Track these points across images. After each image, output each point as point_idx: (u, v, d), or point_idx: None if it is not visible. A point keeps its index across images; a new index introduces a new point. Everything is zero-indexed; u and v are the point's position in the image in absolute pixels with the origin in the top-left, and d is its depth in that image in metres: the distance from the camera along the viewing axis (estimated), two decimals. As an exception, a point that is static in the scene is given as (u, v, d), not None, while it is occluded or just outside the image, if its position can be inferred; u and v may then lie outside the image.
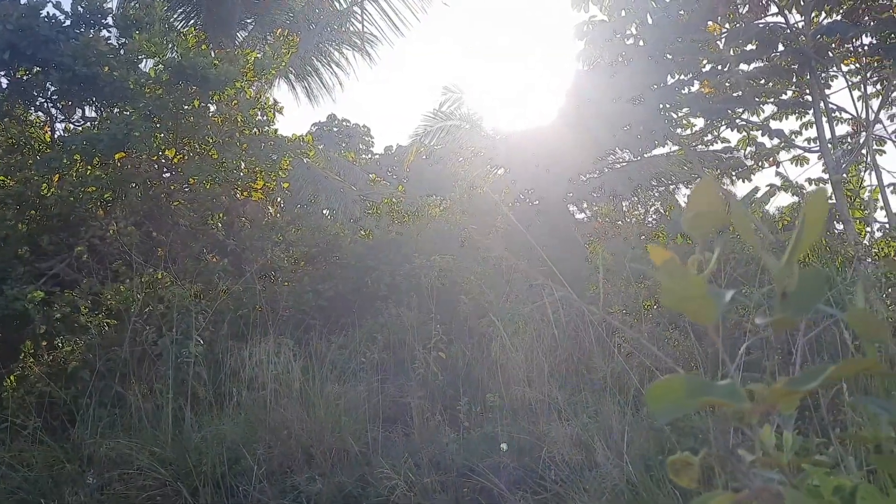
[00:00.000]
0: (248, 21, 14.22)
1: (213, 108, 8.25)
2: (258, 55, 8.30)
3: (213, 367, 7.11)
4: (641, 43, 9.73)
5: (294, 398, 6.56)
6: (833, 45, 8.78)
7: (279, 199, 10.77)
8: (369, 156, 26.46)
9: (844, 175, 9.65)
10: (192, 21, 13.76)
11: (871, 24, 8.40)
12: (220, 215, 8.38)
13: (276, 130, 8.51)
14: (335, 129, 27.57)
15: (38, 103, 8.18)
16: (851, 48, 9.14)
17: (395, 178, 17.93)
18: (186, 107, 7.83)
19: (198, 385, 6.55)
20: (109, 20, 8.33)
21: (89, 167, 7.52)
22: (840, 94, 10.69)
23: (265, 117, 8.42)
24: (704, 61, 9.77)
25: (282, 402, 6.62)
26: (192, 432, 6.15)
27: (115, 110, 7.89)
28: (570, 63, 10.66)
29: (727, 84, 9.77)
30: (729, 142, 11.51)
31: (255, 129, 8.13)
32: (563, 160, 11.59)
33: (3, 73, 7.91)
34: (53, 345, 6.83)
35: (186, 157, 7.93)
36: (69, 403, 6.49)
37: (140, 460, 5.74)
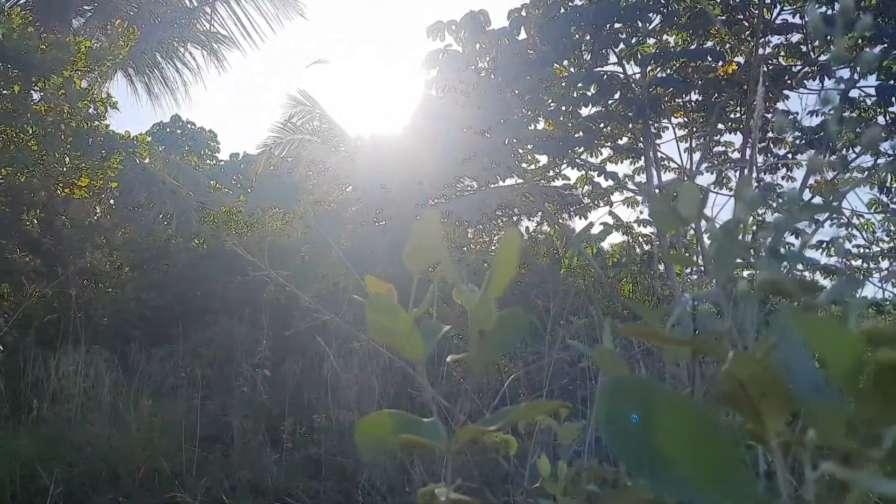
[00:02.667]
0: (88, 8, 13.28)
1: (36, 95, 7.61)
2: (92, 44, 7.75)
3: (14, 375, 6.51)
4: (493, 77, 10.06)
5: (103, 413, 6.14)
6: (665, 98, 9.47)
7: (109, 199, 10.11)
8: (214, 162, 25.45)
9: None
10: (21, 1, 12.68)
11: (699, 82, 9.14)
12: (37, 211, 7.72)
13: (107, 126, 7.96)
14: (179, 132, 26.28)
15: None
16: (681, 103, 9.89)
17: (240, 187, 17.36)
18: (5, 91, 7.16)
19: (-9, 396, 5.96)
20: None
21: None
22: (669, 144, 11.60)
23: (96, 111, 7.87)
24: (550, 101, 10.23)
25: (89, 416, 6.17)
26: (-19, 447, 5.58)
27: (-81, 87, 7.10)
28: (422, 88, 10.79)
29: (569, 125, 10.28)
30: (569, 179, 12.12)
31: (83, 122, 7.57)
32: (412, 183, 11.71)
33: None
34: None
35: (1, 146, 7.24)
36: None
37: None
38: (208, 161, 24.55)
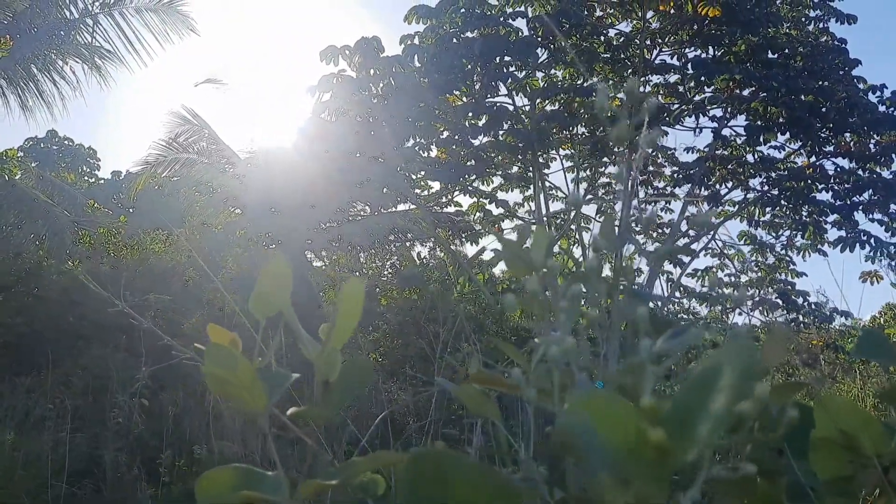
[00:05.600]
0: (-44, 14, 12.45)
1: None
2: (-43, 52, 7.24)
3: None
4: (386, 103, 10.12)
5: (-42, 449, 5.66)
6: (553, 131, 9.79)
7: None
8: (94, 180, 24.22)
9: (557, 247, 10.73)
10: None
11: (585, 116, 9.52)
12: None
13: (-28, 140, 7.44)
14: (55, 148, 24.86)
15: None
16: (568, 135, 10.26)
17: (120, 208, 16.57)
18: None
19: None
20: None
21: None
22: (557, 174, 12.03)
23: (-39, 123, 7.35)
24: (442, 129, 10.38)
25: (-58, 453, 5.68)
26: None
27: None
28: (315, 111, 10.75)
29: (462, 153, 10.45)
30: (461, 206, 12.30)
31: (-55, 134, 7.04)
32: (305, 207, 11.55)
33: None
34: None
35: None
36: None
37: None
38: (87, 179, 23.34)
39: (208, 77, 14.74)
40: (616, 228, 0.96)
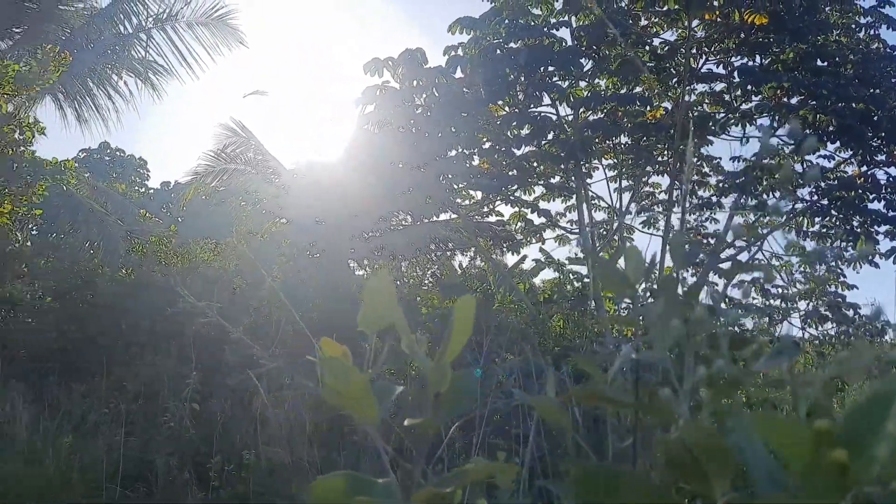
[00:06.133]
0: (17, 31, 12.90)
1: (-42, 118, 7.34)
2: (19, 67, 7.53)
3: (-80, 411, 6.16)
4: (429, 114, 10.19)
5: (18, 451, 5.85)
6: (596, 140, 9.76)
7: (31, 226, 9.74)
8: (144, 190, 24.87)
9: (600, 257, 10.68)
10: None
11: (628, 125, 9.48)
12: (-47, 238, 7.39)
13: (33, 152, 7.71)
14: (107, 158, 25.61)
15: None
16: (611, 145, 10.22)
17: (169, 217, 16.96)
18: (-76, 113, 6.89)
19: None
20: None
21: None
22: (600, 184, 12.01)
23: (23, 136, 7.62)
24: (485, 139, 10.42)
25: (3, 455, 5.87)
26: None
27: None
28: (359, 122, 10.87)
29: (504, 163, 10.48)
30: (503, 216, 12.32)
31: (7, 147, 7.31)
32: (348, 216, 11.69)
33: None
34: None
35: (-83, 170, 6.93)
36: None
37: None
38: (137, 189, 23.95)
39: (256, 89, 15.05)
40: (680, 241, 0.98)
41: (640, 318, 0.70)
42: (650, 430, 0.86)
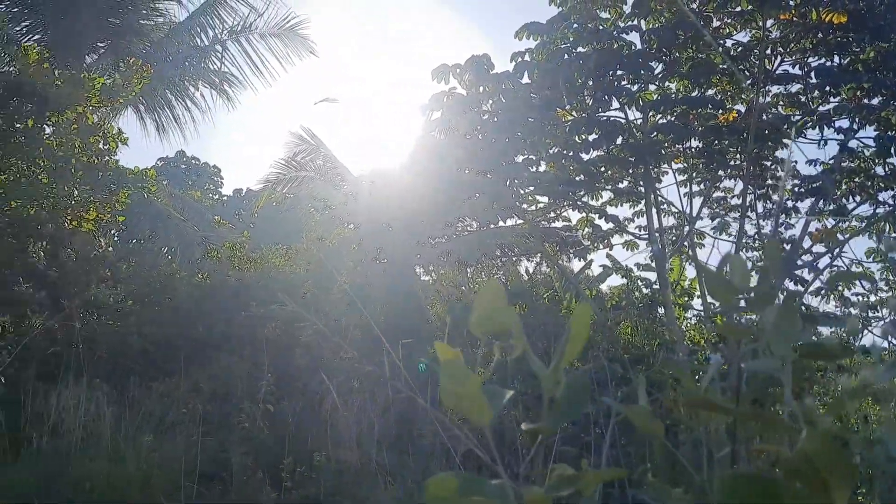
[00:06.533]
0: (101, 45, 13.54)
1: (48, 129, 7.73)
2: (105, 81, 7.89)
3: (14, 408, 6.48)
4: (495, 119, 10.21)
5: (102, 448, 6.10)
6: (666, 144, 9.60)
7: (113, 232, 10.17)
8: (217, 197, 25.65)
9: (670, 264, 10.48)
10: (36, 36, 12.91)
11: (699, 129, 9.29)
12: (44, 243, 7.77)
13: (117, 161, 8.07)
14: (183, 166, 26.57)
15: None
16: (681, 149, 10.03)
17: (242, 223, 17.44)
18: (18, 125, 7.27)
19: (-8, 428, 5.93)
20: (-60, 23, 7.68)
21: None
22: (669, 188, 11.74)
23: (107, 146, 7.98)
24: (552, 144, 10.37)
25: (88, 452, 6.14)
26: (-21, 481, 5.54)
27: (-67, 120, 7.20)
28: (425, 128, 10.96)
29: (571, 168, 10.40)
30: (570, 221, 12.21)
31: (93, 156, 7.67)
32: (414, 222, 11.80)
33: None
34: None
35: (12, 179, 7.32)
36: None
37: None
38: (211, 196, 24.71)
39: (326, 96, 15.35)
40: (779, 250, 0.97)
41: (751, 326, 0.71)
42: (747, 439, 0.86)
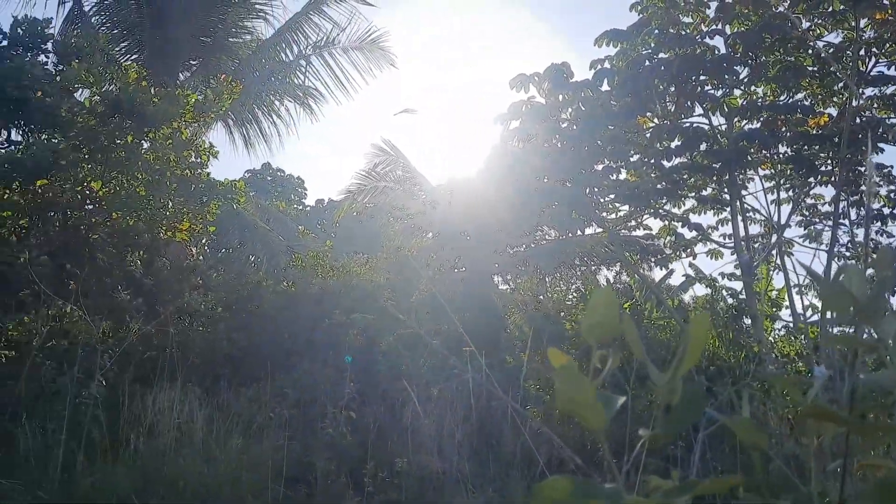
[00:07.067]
0: (193, 63, 14.20)
1: (146, 144, 8.14)
2: (199, 97, 8.26)
3: (113, 410, 6.81)
4: (574, 127, 10.14)
5: (195, 449, 6.35)
6: (752, 150, 9.34)
7: (204, 241, 10.59)
8: (301, 207, 26.41)
9: (756, 273, 10.17)
10: (134, 55, 13.65)
11: (788, 134, 8.99)
12: (141, 253, 8.17)
13: (208, 174, 8.43)
14: (269, 178, 27.53)
15: (-40, 120, 7.89)
16: (768, 155, 9.74)
17: (323, 232, 17.85)
18: (119, 141, 7.70)
19: (94, 428, 6.25)
20: (49, 46, 8.19)
21: (8, 191, 7.25)
22: (756, 195, 11.38)
23: (199, 159, 8.35)
24: (632, 152, 10.23)
25: (182, 452, 6.39)
26: (83, 477, 5.85)
27: (43, 136, 7.68)
28: (503, 137, 10.96)
29: (653, 175, 10.23)
30: (651, 229, 12.00)
31: (187, 170, 8.04)
32: (491, 231, 11.82)
33: (-74, 85, 7.62)
34: (-58, 374, 6.45)
35: (113, 192, 7.75)
36: (-49, 437, 6.10)
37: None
38: (295, 206, 25.42)
39: (404, 108, 15.61)
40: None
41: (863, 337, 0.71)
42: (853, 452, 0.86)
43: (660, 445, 0.67)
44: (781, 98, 8.93)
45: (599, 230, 12.84)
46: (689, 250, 11.67)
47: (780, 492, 0.84)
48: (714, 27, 8.95)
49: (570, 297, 14.79)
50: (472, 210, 12.32)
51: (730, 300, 11.09)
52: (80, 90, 8.17)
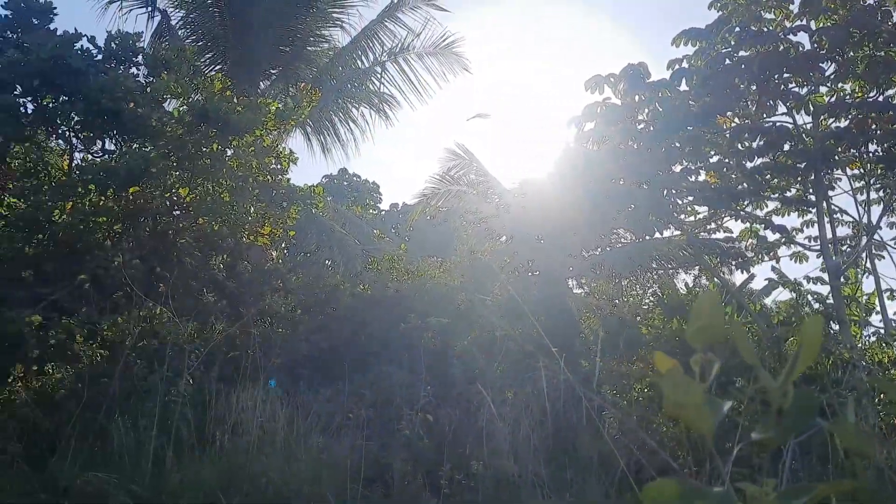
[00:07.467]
0: (273, 71, 14.64)
1: (229, 152, 8.44)
2: (279, 105, 8.52)
3: (200, 408, 7.06)
4: (651, 128, 9.99)
5: (277, 447, 6.52)
6: (839, 149, 9.03)
7: (283, 245, 10.88)
8: (375, 211, 26.86)
9: (844, 277, 9.79)
10: (218, 66, 14.18)
11: (878, 132, 8.66)
12: (224, 256, 8.46)
13: (288, 179, 8.68)
14: (345, 183, 28.13)
15: (60, 131, 8.36)
16: (857, 154, 9.39)
17: (397, 236, 18.07)
18: (205, 149, 8.01)
19: (183, 425, 6.51)
20: (140, 59, 8.59)
21: (103, 198, 7.64)
22: (843, 196, 11.00)
23: (280, 166, 8.61)
24: (712, 152, 10.02)
25: (265, 450, 6.57)
26: (172, 473, 6.10)
27: (135, 145, 8.06)
28: (577, 139, 10.90)
29: (733, 176, 9.99)
30: (731, 232, 11.70)
31: (268, 176, 8.30)
32: (565, 234, 11.74)
33: (29, 98, 8.10)
34: (43, 371, 6.82)
35: (198, 197, 8.07)
36: (52, 432, 6.44)
37: (116, 497, 5.68)
38: (371, 211, 25.85)
39: (478, 112, 15.68)
40: None
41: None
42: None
43: (769, 450, 0.67)
44: (871, 95, 8.59)
45: (677, 233, 12.58)
46: (771, 253, 11.35)
47: (887, 500, 0.83)
48: (798, 23, 8.69)
49: (647, 301, 14.52)
50: (545, 213, 12.26)
51: (816, 305, 10.69)
52: (169, 100, 8.54)
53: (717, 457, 0.71)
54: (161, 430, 6.49)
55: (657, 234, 12.14)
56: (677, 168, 9.97)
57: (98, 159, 8.21)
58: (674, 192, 10.25)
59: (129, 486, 5.83)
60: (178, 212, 8.32)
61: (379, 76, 14.26)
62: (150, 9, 14.15)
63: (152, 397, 6.65)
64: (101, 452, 6.32)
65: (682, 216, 11.43)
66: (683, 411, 0.66)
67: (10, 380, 6.77)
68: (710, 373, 0.71)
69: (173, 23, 14.48)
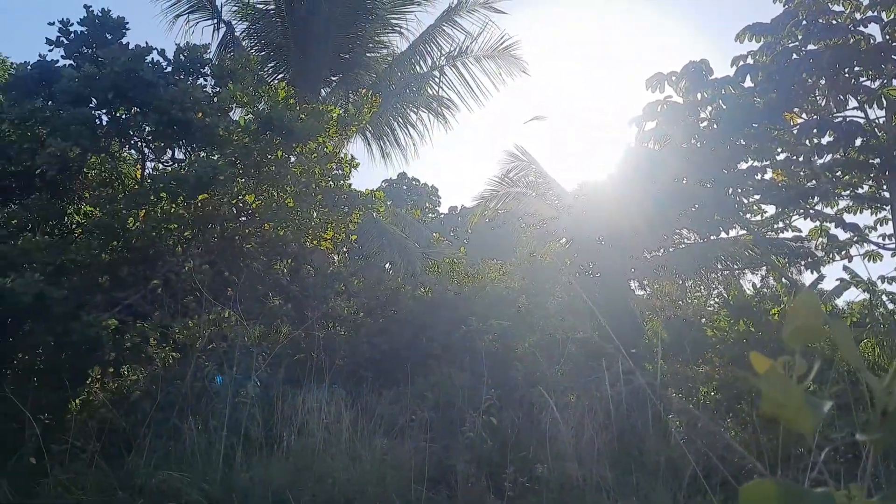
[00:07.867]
0: (334, 78, 14.91)
1: (293, 158, 8.63)
2: (341, 112, 8.67)
3: (267, 409, 7.22)
4: (715, 126, 9.81)
5: (342, 448, 6.63)
6: (916, 144, 8.70)
7: (345, 249, 11.04)
8: (434, 215, 27.05)
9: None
10: (280, 74, 14.53)
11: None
12: (289, 261, 8.64)
13: (349, 185, 8.82)
14: (404, 187, 28.44)
15: (133, 142, 8.69)
16: (934, 148, 9.03)
17: (457, 239, 18.12)
18: (270, 156, 8.22)
19: (251, 426, 6.68)
20: (207, 69, 8.86)
21: (174, 205, 7.92)
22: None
23: (341, 171, 8.76)
24: (779, 149, 9.76)
25: (330, 450, 6.69)
26: (241, 472, 6.26)
27: (203, 154, 8.32)
28: (637, 139, 10.77)
29: (802, 174, 9.72)
30: (800, 231, 11.38)
31: (330, 181, 8.45)
32: (627, 236, 11.59)
33: (104, 111, 8.44)
34: (120, 373, 7.10)
35: (264, 204, 8.28)
36: (128, 431, 6.69)
37: (189, 495, 5.87)
38: (430, 214, 26.01)
39: (535, 114, 15.62)
40: None
41: None
42: None
43: (882, 448, 0.66)
44: (949, 86, 8.25)
45: (743, 232, 12.28)
46: (843, 252, 10.98)
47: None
48: (869, 14, 8.40)
49: (712, 302, 14.20)
50: (606, 214, 12.13)
51: (891, 306, 10.31)
52: (235, 109, 8.79)
53: (814, 453, 0.70)
54: (230, 431, 6.67)
55: (722, 234, 11.87)
56: (742, 166, 9.76)
57: (169, 168, 8.50)
58: (739, 190, 10.03)
59: (201, 485, 6.02)
60: (244, 218, 8.54)
61: (437, 80, 14.36)
62: (215, 21, 14.59)
63: (222, 398, 6.85)
64: (174, 451, 6.53)
65: (749, 215, 11.17)
66: (783, 411, 0.66)
67: (88, 381, 7.08)
68: (809, 373, 0.70)
69: (237, 34, 14.90)
